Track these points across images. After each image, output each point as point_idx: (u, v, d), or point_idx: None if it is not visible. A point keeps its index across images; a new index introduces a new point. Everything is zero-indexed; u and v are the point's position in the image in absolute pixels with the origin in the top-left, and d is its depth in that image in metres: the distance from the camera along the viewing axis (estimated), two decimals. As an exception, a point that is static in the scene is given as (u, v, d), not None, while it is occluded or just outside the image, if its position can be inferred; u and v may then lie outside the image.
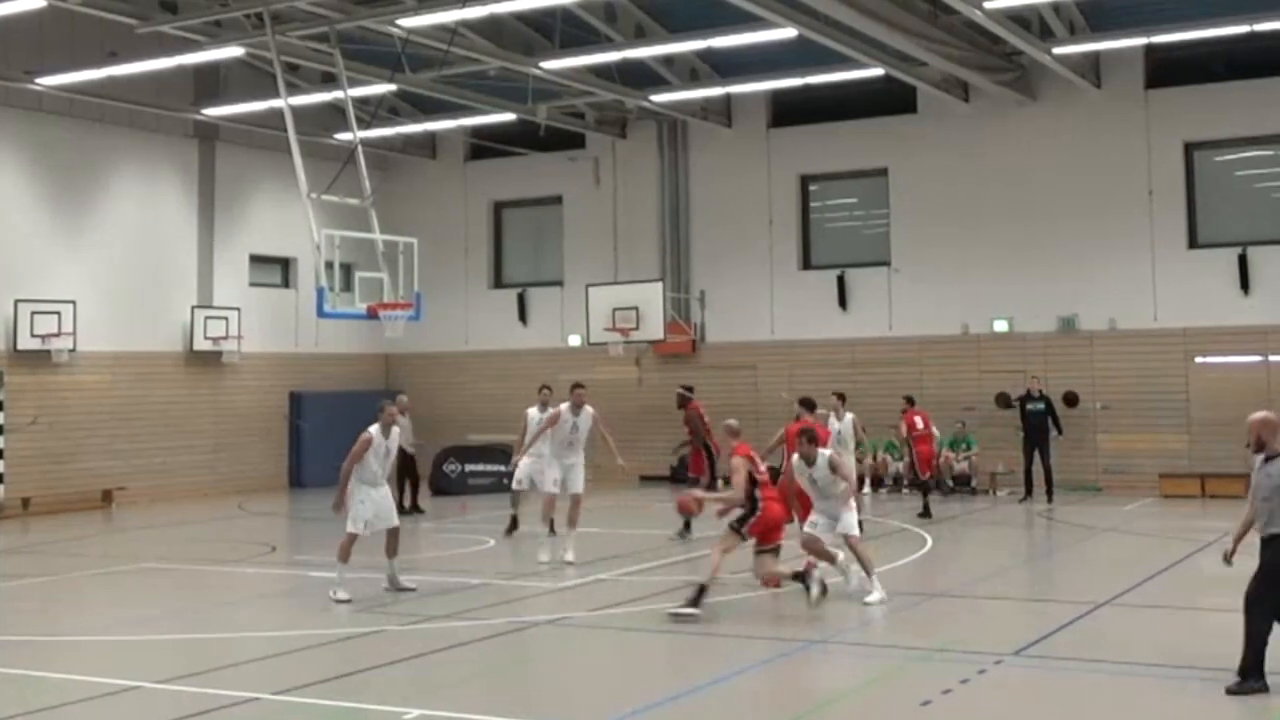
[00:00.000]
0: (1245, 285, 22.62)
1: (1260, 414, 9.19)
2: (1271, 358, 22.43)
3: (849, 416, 18.28)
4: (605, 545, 16.67)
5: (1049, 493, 21.85)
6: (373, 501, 13.34)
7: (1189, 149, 23.45)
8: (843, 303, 25.69)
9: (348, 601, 12.79)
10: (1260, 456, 9.05)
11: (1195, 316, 22.93)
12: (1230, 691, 8.78)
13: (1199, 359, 22.97)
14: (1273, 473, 8.92)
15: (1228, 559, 9.18)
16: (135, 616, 12.76)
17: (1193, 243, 23.36)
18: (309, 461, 27.17)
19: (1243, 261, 22.62)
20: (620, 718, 8.60)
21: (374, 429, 13.38)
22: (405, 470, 20.55)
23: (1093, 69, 23.46)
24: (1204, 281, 22.94)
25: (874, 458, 23.98)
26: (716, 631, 11.61)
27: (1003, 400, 23.60)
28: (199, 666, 10.22)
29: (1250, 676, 8.80)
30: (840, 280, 25.68)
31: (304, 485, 27.01)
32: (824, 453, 12.62)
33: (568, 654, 10.93)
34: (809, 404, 15.85)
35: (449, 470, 25.63)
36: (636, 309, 24.33)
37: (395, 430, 13.58)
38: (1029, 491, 22.11)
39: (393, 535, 13.52)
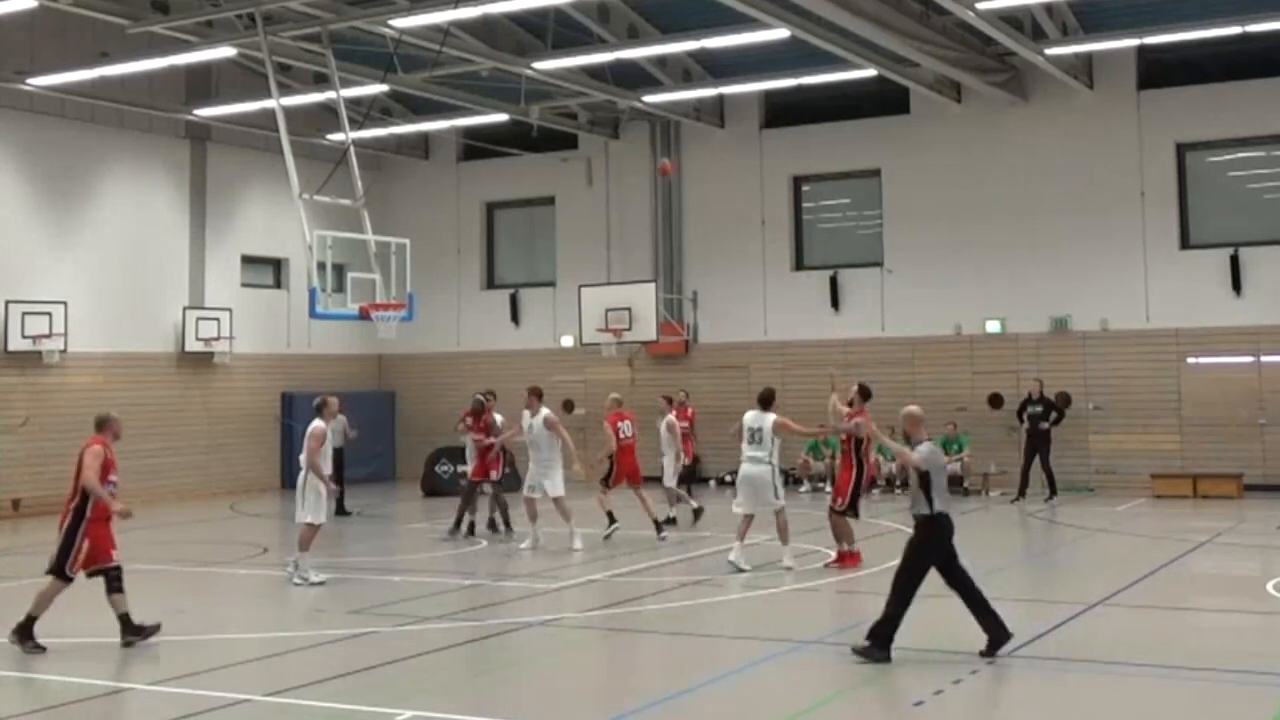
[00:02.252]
0: (1237, 286, 22.68)
1: (907, 408, 10.46)
2: (1263, 358, 22.50)
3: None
4: (601, 545, 16.66)
5: (1052, 490, 21.74)
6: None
7: (1181, 150, 23.50)
8: (835, 303, 25.69)
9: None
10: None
11: (1187, 317, 22.98)
12: (858, 651, 9.84)
13: (1191, 359, 23.02)
14: (922, 452, 10.02)
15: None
16: (127, 618, 12.70)
17: (1185, 243, 23.41)
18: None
19: (1234, 262, 22.68)
20: (614, 719, 8.59)
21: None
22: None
23: (1085, 70, 23.49)
24: (1196, 282, 22.99)
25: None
26: (709, 633, 11.61)
27: (996, 401, 23.60)
28: (191, 668, 10.18)
29: (880, 644, 9.83)
30: (833, 281, 25.70)
31: (296, 487, 26.85)
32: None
33: (561, 655, 10.91)
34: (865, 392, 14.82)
35: (441, 471, 25.58)
36: (629, 310, 24.29)
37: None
38: (1022, 492, 22.09)
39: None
